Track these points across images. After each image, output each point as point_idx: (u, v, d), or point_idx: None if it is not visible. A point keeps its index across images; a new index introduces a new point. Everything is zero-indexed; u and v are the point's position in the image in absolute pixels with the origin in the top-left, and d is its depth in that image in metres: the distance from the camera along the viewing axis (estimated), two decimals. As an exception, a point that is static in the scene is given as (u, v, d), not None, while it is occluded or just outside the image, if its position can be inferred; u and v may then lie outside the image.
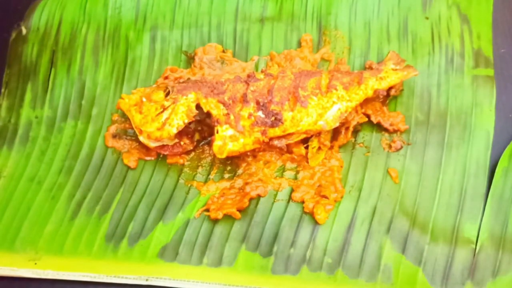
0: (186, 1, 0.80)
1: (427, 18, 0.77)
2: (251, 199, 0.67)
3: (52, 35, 0.79)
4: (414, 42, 0.76)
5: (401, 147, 0.70)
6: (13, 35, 0.80)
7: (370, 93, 0.69)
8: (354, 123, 0.70)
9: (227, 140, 0.66)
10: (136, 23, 0.80)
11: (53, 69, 0.77)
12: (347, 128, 0.70)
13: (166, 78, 0.75)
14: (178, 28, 0.79)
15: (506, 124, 0.72)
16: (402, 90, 0.73)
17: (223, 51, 0.76)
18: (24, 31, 0.80)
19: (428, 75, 0.74)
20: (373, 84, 0.69)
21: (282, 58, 0.76)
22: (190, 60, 0.77)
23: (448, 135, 0.70)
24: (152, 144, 0.68)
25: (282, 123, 0.66)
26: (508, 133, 0.71)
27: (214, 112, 0.66)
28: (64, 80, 0.77)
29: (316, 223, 0.65)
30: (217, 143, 0.66)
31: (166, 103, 0.67)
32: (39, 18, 0.80)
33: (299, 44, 0.78)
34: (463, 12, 0.77)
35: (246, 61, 0.77)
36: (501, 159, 0.67)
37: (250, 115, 0.66)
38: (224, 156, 0.66)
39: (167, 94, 0.68)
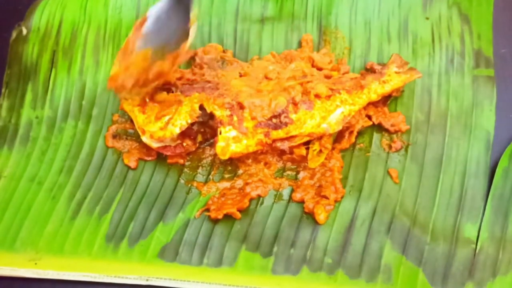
0: (187, 1, 0.80)
1: (427, 18, 0.77)
2: (251, 199, 0.67)
3: (52, 35, 0.79)
4: (415, 42, 0.76)
5: (401, 147, 0.70)
6: (14, 35, 0.80)
7: (373, 97, 0.69)
8: (358, 126, 0.70)
9: (230, 141, 0.66)
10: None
11: (53, 69, 0.78)
12: (351, 132, 0.70)
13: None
14: (179, 28, 0.79)
15: (506, 124, 0.72)
16: (402, 91, 0.73)
17: (223, 51, 0.76)
18: (24, 31, 0.80)
19: (429, 75, 0.74)
20: (376, 88, 0.69)
21: (282, 58, 0.75)
22: (190, 60, 0.77)
23: (449, 135, 0.70)
24: (154, 145, 0.68)
25: (286, 125, 0.66)
26: (509, 133, 0.71)
27: (217, 113, 0.66)
28: (64, 80, 0.77)
29: (316, 223, 0.65)
30: (220, 144, 0.66)
31: (170, 104, 0.67)
32: (39, 18, 0.80)
33: (300, 44, 0.78)
34: (464, 12, 0.77)
35: (246, 61, 0.77)
36: (501, 159, 0.67)
37: (253, 117, 0.66)
38: (227, 157, 0.66)
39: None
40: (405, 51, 0.76)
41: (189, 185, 0.69)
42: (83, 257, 0.64)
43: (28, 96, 0.76)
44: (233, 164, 0.70)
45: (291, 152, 0.69)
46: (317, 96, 0.67)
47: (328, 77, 0.72)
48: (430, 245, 0.64)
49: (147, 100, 0.69)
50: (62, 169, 0.71)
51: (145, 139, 0.68)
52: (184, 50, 0.63)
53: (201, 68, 0.75)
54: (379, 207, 0.66)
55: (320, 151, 0.69)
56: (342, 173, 0.68)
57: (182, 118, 0.66)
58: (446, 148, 0.69)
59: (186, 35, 0.63)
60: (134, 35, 0.62)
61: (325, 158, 0.69)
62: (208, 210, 0.66)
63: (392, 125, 0.71)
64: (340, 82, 0.69)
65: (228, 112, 0.66)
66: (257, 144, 0.66)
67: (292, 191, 0.68)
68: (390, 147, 0.70)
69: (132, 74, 0.63)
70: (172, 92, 0.69)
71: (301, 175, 0.69)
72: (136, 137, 0.72)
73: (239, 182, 0.69)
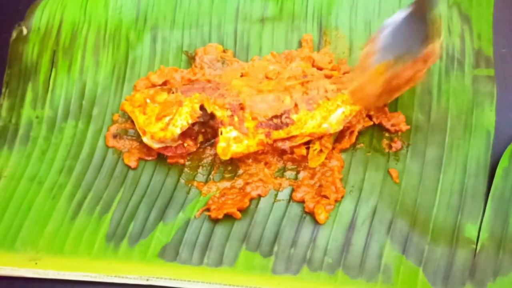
0: (187, 1, 0.80)
1: (427, 18, 0.77)
2: (251, 199, 0.67)
3: (52, 35, 0.79)
4: (415, 42, 0.76)
5: (402, 147, 0.70)
6: (14, 35, 0.80)
7: None
8: (359, 126, 0.70)
9: (231, 141, 0.66)
10: (136, 23, 0.80)
11: (53, 69, 0.78)
12: (351, 132, 0.70)
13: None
14: (179, 28, 0.79)
15: (506, 124, 0.72)
16: (402, 90, 0.73)
17: (224, 51, 0.76)
18: (24, 31, 0.80)
19: (429, 75, 0.74)
20: None
21: (282, 58, 0.75)
22: (190, 60, 0.77)
23: (449, 135, 0.70)
24: (155, 145, 0.68)
25: (287, 125, 0.66)
26: (509, 133, 0.71)
27: (218, 113, 0.66)
28: (64, 80, 0.77)
29: (316, 223, 0.65)
30: (221, 144, 0.66)
31: (170, 104, 0.67)
32: (39, 18, 0.80)
33: (300, 44, 0.78)
34: (464, 12, 0.77)
35: (246, 61, 0.77)
36: (501, 159, 0.67)
37: (254, 117, 0.66)
38: (228, 157, 0.66)
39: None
40: (405, 51, 0.76)
41: (190, 185, 0.69)
42: (83, 257, 0.64)
43: (28, 96, 0.76)
44: (233, 164, 0.70)
45: (292, 152, 0.69)
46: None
47: (328, 77, 0.72)
48: (430, 245, 0.64)
49: (148, 100, 0.69)
50: (62, 169, 0.71)
51: (146, 140, 0.68)
52: (434, 51, 0.62)
53: (202, 68, 0.75)
54: (379, 207, 0.66)
55: (321, 150, 0.69)
56: (342, 173, 0.68)
57: (183, 119, 0.66)
58: (446, 148, 0.69)
59: (429, 37, 0.62)
60: (369, 51, 0.62)
61: (326, 158, 0.69)
62: (208, 210, 0.66)
63: (392, 125, 0.71)
64: (340, 82, 0.69)
65: (229, 113, 0.66)
66: (258, 145, 0.67)
67: (293, 191, 0.68)
68: (390, 147, 0.70)
69: (376, 85, 0.63)
70: (173, 92, 0.69)
71: (302, 175, 0.69)
72: (137, 137, 0.72)
73: (239, 182, 0.69)
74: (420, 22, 0.61)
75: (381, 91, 0.63)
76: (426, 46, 0.61)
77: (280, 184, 0.68)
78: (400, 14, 0.62)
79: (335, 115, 0.67)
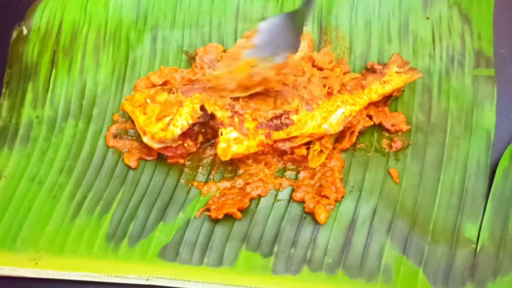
0: (187, 1, 0.80)
1: (428, 18, 0.77)
2: (251, 199, 0.67)
3: (53, 35, 0.79)
4: (415, 42, 0.76)
5: (402, 147, 0.70)
6: (14, 35, 0.80)
7: (374, 97, 0.69)
8: (360, 126, 0.70)
9: (231, 142, 0.66)
10: (137, 23, 0.80)
11: (54, 69, 0.78)
12: (352, 132, 0.70)
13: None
14: (179, 28, 0.79)
15: (506, 124, 0.72)
16: (403, 90, 0.73)
17: (224, 51, 0.76)
18: (25, 31, 0.80)
19: (429, 75, 0.74)
20: (376, 88, 0.69)
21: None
22: (191, 60, 0.77)
23: (449, 135, 0.70)
24: (155, 146, 0.68)
25: (287, 126, 0.66)
26: (509, 133, 0.71)
27: (218, 114, 0.66)
28: (65, 80, 0.77)
29: (316, 223, 0.65)
30: (221, 145, 0.66)
31: (171, 104, 0.67)
32: (40, 18, 0.80)
33: (300, 44, 0.78)
34: (464, 12, 0.77)
35: (246, 61, 0.77)
36: (501, 159, 0.67)
37: (254, 118, 0.66)
38: (228, 158, 0.66)
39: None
40: (405, 51, 0.76)
41: (190, 185, 0.69)
42: (83, 257, 0.64)
43: (29, 96, 0.76)
44: (233, 164, 0.70)
45: (292, 152, 0.69)
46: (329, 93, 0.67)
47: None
48: (431, 245, 0.64)
49: (148, 100, 0.69)
50: (63, 169, 0.71)
51: (146, 140, 0.68)
52: (292, 61, 0.65)
53: (202, 68, 0.75)
54: (379, 207, 0.66)
55: (321, 151, 0.69)
56: (342, 173, 0.68)
57: (183, 119, 0.66)
58: (447, 148, 0.69)
59: (296, 47, 0.65)
60: (244, 44, 0.64)
61: (326, 158, 0.69)
62: (208, 210, 0.66)
63: (392, 125, 0.71)
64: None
65: (229, 113, 0.66)
66: (258, 145, 0.67)
67: (293, 191, 0.68)
68: (390, 147, 0.70)
69: (236, 78, 0.65)
70: (173, 92, 0.69)
71: (302, 175, 0.69)
72: (137, 137, 0.72)
73: (239, 182, 0.69)
74: (292, 31, 0.64)
75: (239, 83, 0.66)
76: (288, 56, 0.64)
77: (280, 184, 0.68)
78: (279, 18, 0.65)
79: (335, 116, 0.67)
